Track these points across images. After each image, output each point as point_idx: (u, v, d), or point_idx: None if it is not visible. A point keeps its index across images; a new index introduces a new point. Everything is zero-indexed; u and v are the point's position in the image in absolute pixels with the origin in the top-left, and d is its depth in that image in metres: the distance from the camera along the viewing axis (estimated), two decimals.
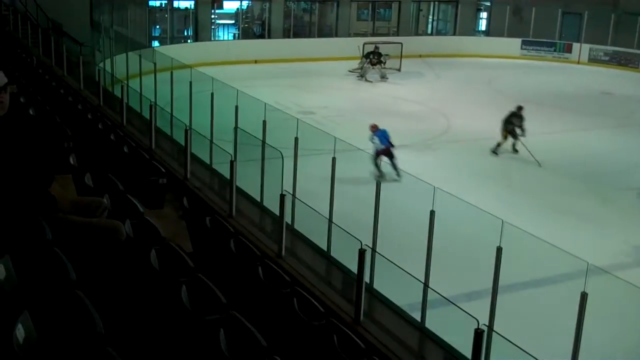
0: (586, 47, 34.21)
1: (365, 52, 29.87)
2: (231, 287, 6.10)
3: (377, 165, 15.74)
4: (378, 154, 16.05)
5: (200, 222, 7.75)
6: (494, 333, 6.93)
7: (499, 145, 18.86)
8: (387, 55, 29.80)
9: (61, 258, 4.36)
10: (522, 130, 18.64)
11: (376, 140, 16.31)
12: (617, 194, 16.08)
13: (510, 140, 18.80)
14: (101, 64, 19.95)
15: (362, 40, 31.79)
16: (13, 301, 3.74)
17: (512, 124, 18.84)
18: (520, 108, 19.22)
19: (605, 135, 21.42)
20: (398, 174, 15.54)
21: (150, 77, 15.64)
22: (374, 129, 16.58)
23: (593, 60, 34.05)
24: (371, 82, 28.70)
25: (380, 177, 14.75)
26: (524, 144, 18.33)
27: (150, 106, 12.98)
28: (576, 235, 13.01)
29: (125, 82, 16.14)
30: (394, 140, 16.11)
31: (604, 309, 9.01)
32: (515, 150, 18.81)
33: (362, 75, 29.32)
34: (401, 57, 31.04)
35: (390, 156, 16.03)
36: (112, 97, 16.28)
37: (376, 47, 29.93)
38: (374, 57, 29.65)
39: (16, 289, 4.01)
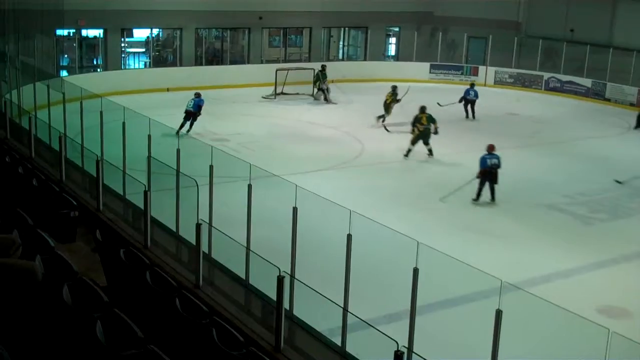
0: (492, 70, 35.29)
1: (315, 75, 30.26)
2: (148, 320, 5.99)
3: (185, 122, 22.32)
4: (187, 113, 22.60)
5: (115, 255, 7.60)
6: (413, 354, 6.99)
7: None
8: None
9: None
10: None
11: (191, 104, 22.81)
12: (527, 211, 16.57)
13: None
14: (7, 95, 19.40)
15: (274, 66, 31.95)
16: None
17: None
18: (324, 67, 28.89)
19: (513, 154, 22.02)
20: (189, 131, 22.22)
21: (59, 108, 15.28)
22: (197, 96, 23.17)
23: (499, 82, 35.16)
24: (335, 103, 29.77)
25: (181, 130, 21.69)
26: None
27: (60, 137, 12.70)
28: (490, 253, 13.32)
29: (33, 113, 15.74)
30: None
31: (519, 325, 9.22)
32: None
33: (326, 99, 29.99)
34: (314, 82, 31.33)
35: (194, 118, 22.67)
36: (20, 129, 15.84)
37: (323, 67, 30.46)
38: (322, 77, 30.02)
39: None
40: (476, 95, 27.49)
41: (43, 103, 16.56)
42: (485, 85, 34.45)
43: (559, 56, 33.87)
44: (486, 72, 35.18)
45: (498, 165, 17.18)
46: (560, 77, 33.50)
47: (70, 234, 9.18)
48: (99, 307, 5.30)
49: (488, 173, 17.07)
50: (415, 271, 7.49)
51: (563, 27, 34.44)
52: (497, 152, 17.36)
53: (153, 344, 4.85)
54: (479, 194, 17.03)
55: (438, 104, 25.60)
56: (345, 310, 8.63)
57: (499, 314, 6.79)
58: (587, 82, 32.47)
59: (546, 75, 34.08)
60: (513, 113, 28.82)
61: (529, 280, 11.88)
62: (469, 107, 27.48)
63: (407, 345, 7.04)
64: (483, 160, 17.19)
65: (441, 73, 36.19)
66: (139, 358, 4.66)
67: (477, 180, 17.05)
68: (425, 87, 34.69)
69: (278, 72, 30.64)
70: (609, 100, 31.66)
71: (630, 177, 19.01)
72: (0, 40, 23.32)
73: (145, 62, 34.09)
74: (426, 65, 36.19)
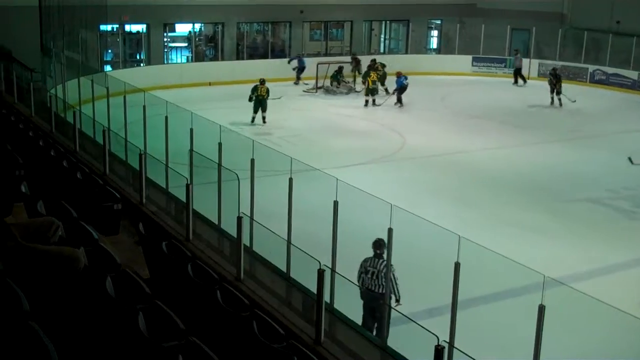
0: (535, 62, 34.81)
1: (331, 73, 30.47)
2: (189, 312, 6.04)
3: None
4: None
5: (157, 248, 7.66)
6: (454, 349, 6.95)
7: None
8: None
9: (14, 288, 4.27)
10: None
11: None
12: (567, 206, 16.34)
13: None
14: (53, 90, 19.70)
15: (315, 60, 31.97)
16: None
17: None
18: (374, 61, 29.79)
19: (554, 148, 21.80)
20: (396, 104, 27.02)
21: (103, 102, 15.48)
22: (398, 75, 26.96)
23: (542, 75, 34.58)
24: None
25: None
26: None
27: (104, 131, 12.85)
28: (531, 248, 13.16)
29: (78, 107, 15.95)
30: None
31: (562, 321, 9.11)
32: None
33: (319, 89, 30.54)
34: (355, 76, 31.39)
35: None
36: (65, 123, 16.07)
37: (340, 67, 30.53)
38: (340, 77, 30.28)
39: None
40: None
41: (87, 97, 16.78)
42: (528, 77, 33.98)
43: (605, 48, 33.27)
44: (529, 65, 34.68)
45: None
46: (606, 69, 32.91)
47: (113, 227, 9.28)
48: (142, 298, 5.36)
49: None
50: (457, 265, 7.43)
51: (609, 18, 33.76)
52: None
53: (194, 335, 4.89)
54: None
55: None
56: (385, 304, 8.62)
57: (541, 309, 6.71)
58: (633, 74, 31.85)
59: (591, 67, 33.50)
60: (556, 106, 28.41)
61: (571, 276, 11.71)
62: None
63: (447, 340, 7.00)
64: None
65: (484, 66, 35.80)
66: (180, 349, 4.70)
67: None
68: (467, 80, 34.43)
69: (319, 65, 30.66)
70: None
71: None
72: (46, 36, 23.70)
73: (187, 57, 34.35)
74: (468, 58, 35.85)
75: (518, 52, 34.18)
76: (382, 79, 29.25)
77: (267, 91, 24.33)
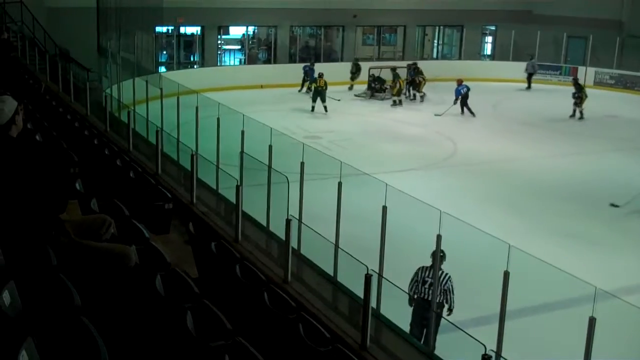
0: (592, 70, 34.17)
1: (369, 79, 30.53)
2: (237, 313, 6.07)
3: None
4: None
5: (206, 248, 7.72)
6: (502, 359, 6.87)
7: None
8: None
9: (66, 284, 4.35)
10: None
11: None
12: (621, 217, 16.00)
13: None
14: (108, 90, 20.05)
15: (367, 64, 31.94)
16: (17, 327, 3.72)
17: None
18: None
19: (610, 158, 21.39)
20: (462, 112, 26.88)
21: (157, 103, 15.70)
22: (459, 83, 26.69)
23: (599, 83, 34.02)
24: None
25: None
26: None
27: (157, 131, 13.02)
28: (582, 259, 12.94)
29: (132, 107, 16.20)
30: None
31: (613, 334, 8.93)
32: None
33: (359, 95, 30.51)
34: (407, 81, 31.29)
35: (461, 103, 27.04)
36: (119, 122, 16.33)
37: (372, 74, 30.53)
38: (376, 84, 30.14)
39: (20, 315, 4.00)
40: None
41: (142, 98, 17.05)
42: (584, 86, 33.44)
43: None
44: (586, 73, 34.07)
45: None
46: None
47: (164, 226, 9.38)
48: (190, 298, 5.40)
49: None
50: (506, 274, 7.35)
51: None
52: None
53: (241, 336, 4.91)
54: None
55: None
56: (433, 311, 8.56)
57: (592, 321, 6.59)
58: None
59: None
60: (612, 115, 27.88)
61: (622, 289, 11.46)
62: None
63: (495, 349, 6.92)
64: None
65: (539, 73, 35.27)
66: (227, 349, 4.73)
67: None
68: (522, 87, 34.00)
69: (371, 70, 30.61)
70: None
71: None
72: (102, 37, 24.15)
73: (241, 59, 34.63)
74: (523, 65, 35.41)
75: (532, 57, 34.39)
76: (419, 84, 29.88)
77: (325, 84, 26.22)
